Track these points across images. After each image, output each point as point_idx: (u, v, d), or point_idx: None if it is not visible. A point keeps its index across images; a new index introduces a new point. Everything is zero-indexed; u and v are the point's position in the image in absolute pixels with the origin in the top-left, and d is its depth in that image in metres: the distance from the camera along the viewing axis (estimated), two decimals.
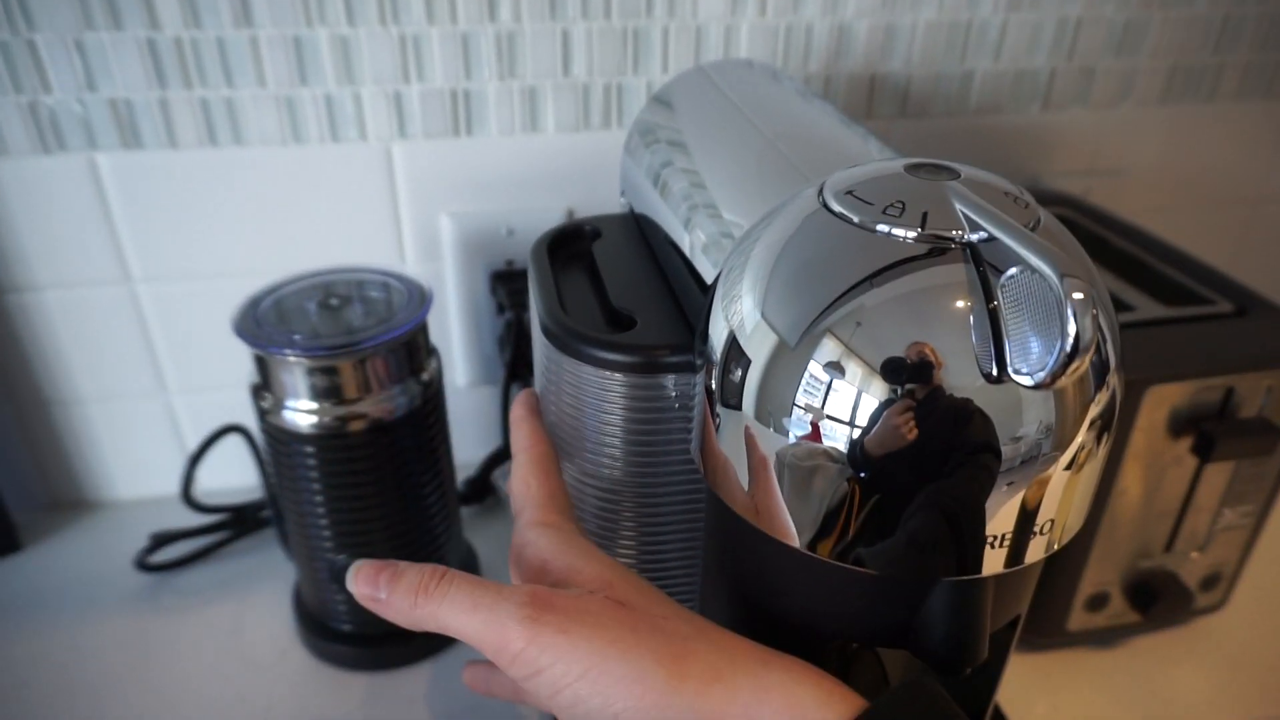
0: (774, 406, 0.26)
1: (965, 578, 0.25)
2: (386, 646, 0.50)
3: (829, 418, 0.25)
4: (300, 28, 0.49)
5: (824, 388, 0.25)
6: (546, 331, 0.34)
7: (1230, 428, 0.44)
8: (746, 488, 0.27)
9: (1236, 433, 0.44)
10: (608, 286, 0.37)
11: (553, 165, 0.56)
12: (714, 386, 0.28)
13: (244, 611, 0.54)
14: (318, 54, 0.50)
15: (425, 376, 0.46)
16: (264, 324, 0.43)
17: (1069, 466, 0.25)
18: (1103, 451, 0.26)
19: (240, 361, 0.57)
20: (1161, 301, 0.50)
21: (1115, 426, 0.27)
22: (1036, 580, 0.31)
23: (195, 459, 0.52)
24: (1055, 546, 0.26)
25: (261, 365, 0.43)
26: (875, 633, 0.28)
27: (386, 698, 0.49)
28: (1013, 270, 0.22)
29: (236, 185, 0.53)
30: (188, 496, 0.54)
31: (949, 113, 0.61)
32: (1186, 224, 0.70)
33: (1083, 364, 0.21)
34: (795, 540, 0.26)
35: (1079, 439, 0.25)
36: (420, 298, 0.45)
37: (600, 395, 0.34)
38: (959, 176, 0.26)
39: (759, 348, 0.26)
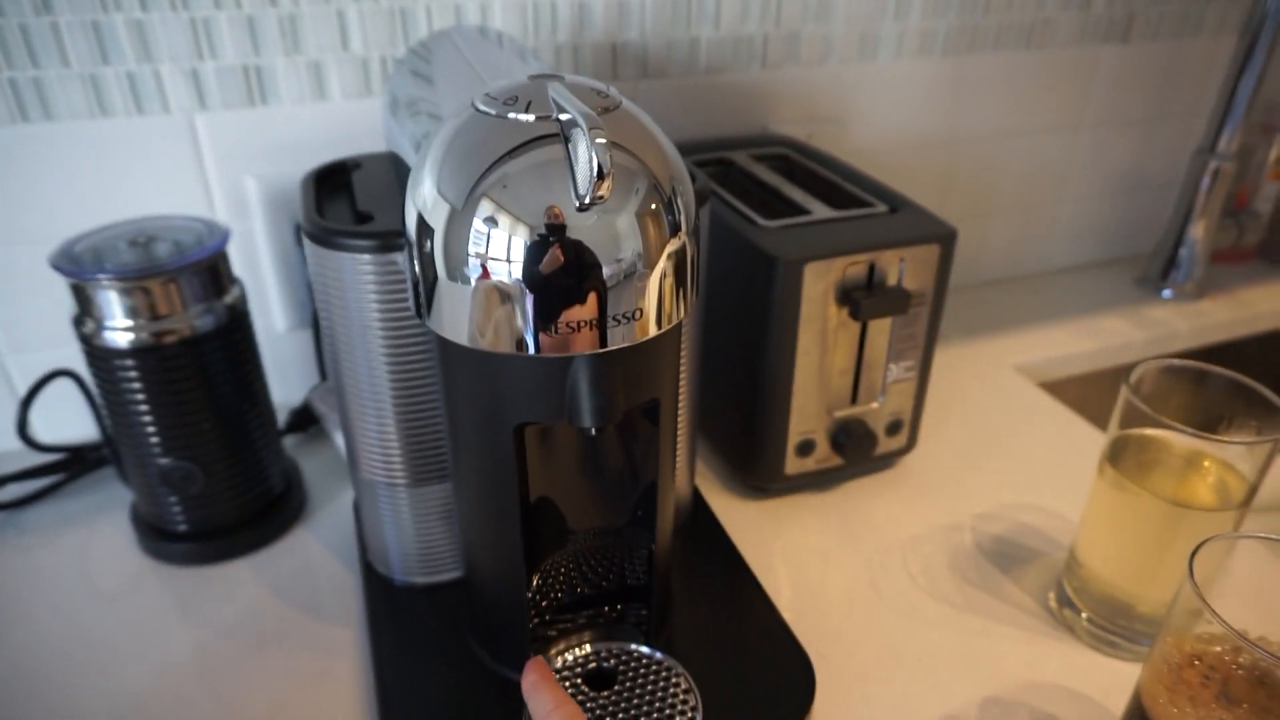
0: (454, 257, 0.36)
1: (591, 352, 0.36)
2: (216, 540, 0.58)
3: (491, 256, 0.36)
4: (97, 13, 0.56)
5: (485, 236, 0.36)
6: (308, 234, 0.44)
7: (873, 294, 0.57)
8: (451, 320, 0.38)
9: (877, 296, 0.57)
10: (357, 199, 0.47)
11: (343, 128, 0.65)
12: (414, 257, 0.38)
13: (89, 538, 0.61)
14: (116, 36, 0.57)
15: (228, 300, 0.54)
16: (79, 260, 0.51)
17: (659, 279, 0.37)
18: (690, 280, 0.38)
19: (62, 318, 0.64)
20: (835, 208, 0.63)
21: (695, 266, 0.38)
22: (665, 370, 0.42)
23: (27, 400, 0.59)
24: (653, 331, 0.37)
25: (80, 294, 0.51)
26: (546, 408, 0.38)
27: (221, 584, 0.57)
28: (574, 130, 0.33)
29: (49, 157, 0.59)
30: (23, 434, 0.60)
31: (684, 74, 0.73)
32: (902, 164, 0.86)
33: (608, 183, 0.32)
34: (493, 346, 0.36)
35: (661, 264, 0.37)
36: (219, 232, 0.54)
37: (355, 279, 0.43)
38: (562, 81, 0.37)
39: (438, 218, 0.37)
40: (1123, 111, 0.94)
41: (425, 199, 0.37)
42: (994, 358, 0.85)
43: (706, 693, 0.46)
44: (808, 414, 0.61)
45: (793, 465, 0.63)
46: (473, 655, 0.50)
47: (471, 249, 0.36)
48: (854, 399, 0.63)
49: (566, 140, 0.34)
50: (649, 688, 0.47)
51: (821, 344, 0.59)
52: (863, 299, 0.57)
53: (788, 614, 0.54)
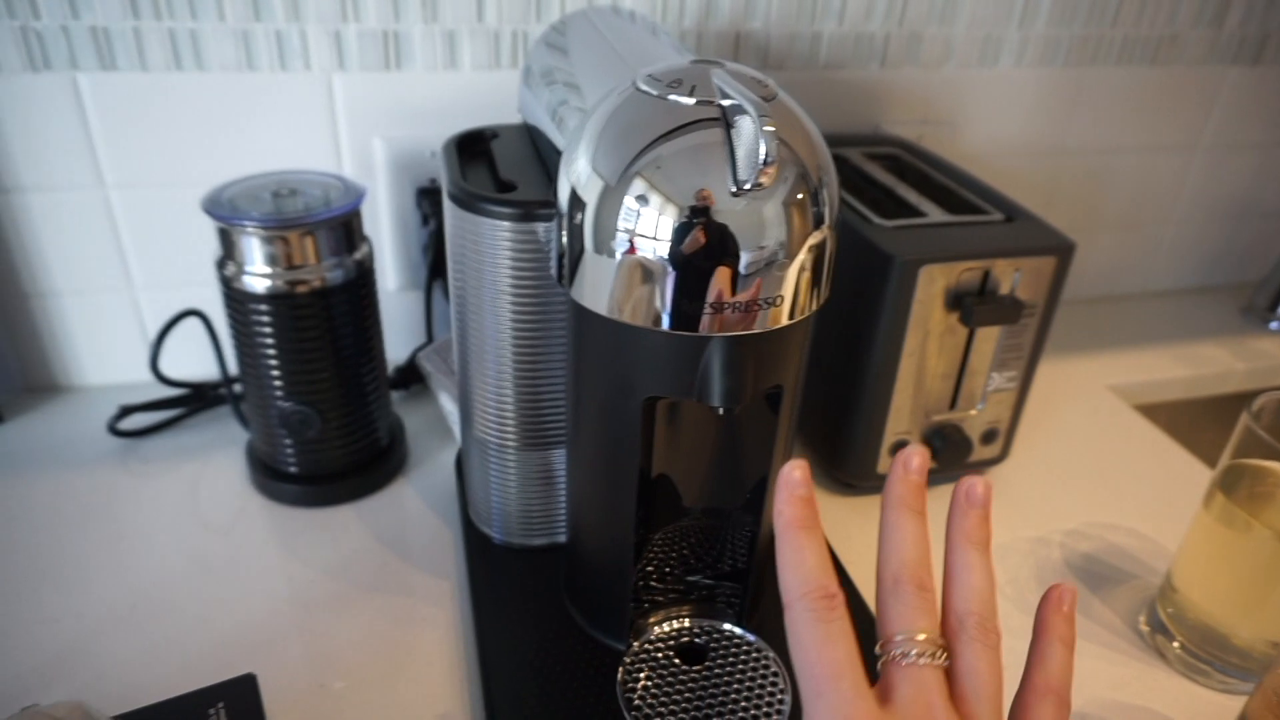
0: (604, 232, 0.38)
1: (727, 334, 0.37)
2: (325, 484, 0.61)
3: (640, 233, 0.37)
4: None
5: (636, 213, 0.37)
6: (453, 197, 0.45)
7: (986, 301, 0.57)
8: (593, 291, 0.39)
9: (990, 304, 0.57)
10: (499, 167, 0.48)
11: (470, 98, 0.67)
12: (564, 227, 0.40)
13: (203, 469, 0.64)
14: None
15: (358, 256, 0.57)
16: (227, 205, 0.53)
17: (796, 271, 0.38)
18: (826, 273, 0.39)
19: (195, 260, 0.67)
20: (950, 212, 0.63)
21: (831, 261, 0.39)
22: (793, 359, 0.43)
23: (162, 335, 0.62)
24: (786, 320, 0.38)
25: (225, 238, 0.54)
26: (678, 385, 0.40)
27: (327, 527, 0.60)
28: (738, 118, 0.34)
29: (198, 105, 0.62)
30: (155, 368, 0.63)
31: (803, 67, 0.73)
32: (1008, 170, 0.84)
33: (772, 171, 0.33)
34: (632, 319, 0.38)
35: (801, 255, 0.37)
36: (355, 192, 0.56)
37: (493, 243, 0.45)
38: (724, 67, 0.38)
39: (591, 192, 0.38)
40: (1242, 135, 0.91)
41: (580, 173, 0.38)
42: (1089, 376, 0.84)
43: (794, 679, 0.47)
44: (905, 415, 0.62)
45: (885, 464, 0.63)
46: (568, 617, 0.51)
47: (621, 224, 0.37)
48: (953, 404, 0.62)
49: (729, 125, 0.35)
50: (739, 668, 0.48)
51: (927, 347, 0.59)
52: (975, 305, 0.57)
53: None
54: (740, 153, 0.34)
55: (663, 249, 0.36)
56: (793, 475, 0.33)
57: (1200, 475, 0.71)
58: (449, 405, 0.67)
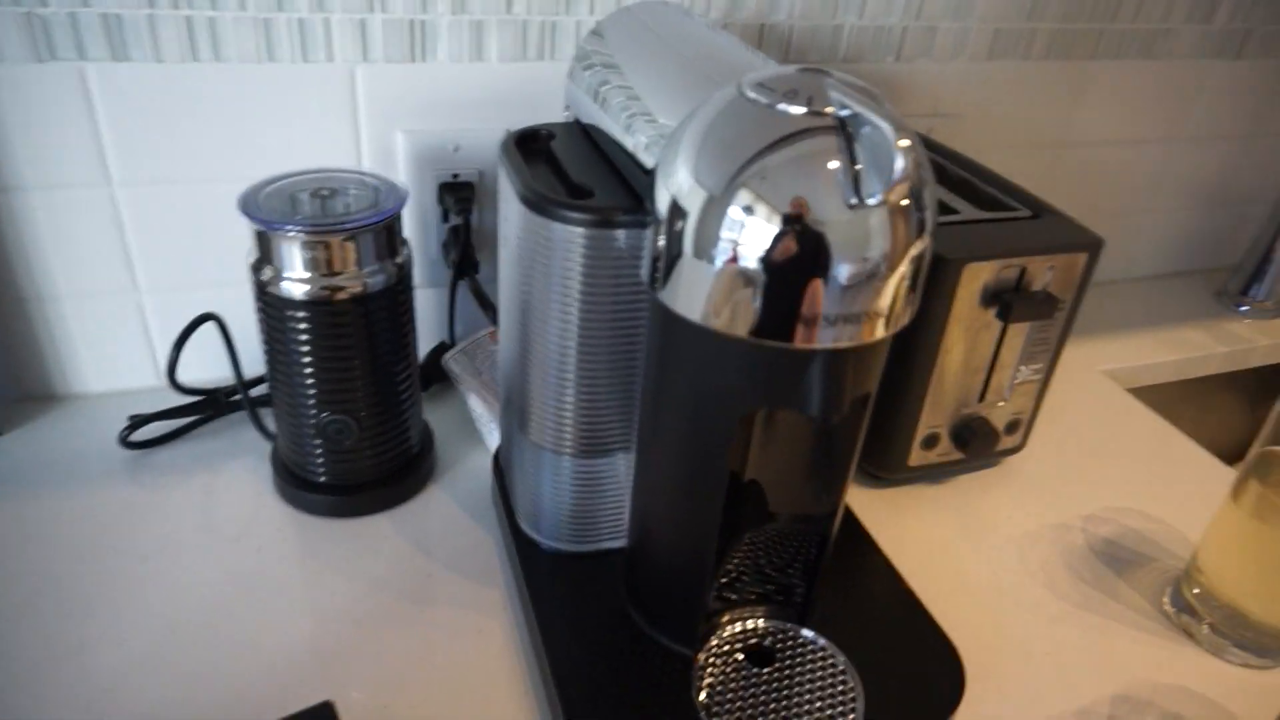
0: (706, 241, 0.37)
1: (833, 346, 0.37)
2: (358, 494, 0.59)
3: (743, 244, 0.36)
4: None
5: (740, 224, 0.36)
6: (526, 201, 0.44)
7: (1023, 297, 0.59)
8: (688, 299, 0.38)
9: (1027, 300, 0.58)
10: (568, 171, 0.47)
11: (495, 91, 0.65)
12: (662, 237, 0.39)
13: (220, 480, 0.62)
14: None
15: (399, 260, 0.55)
16: (264, 207, 0.51)
17: (897, 281, 0.38)
18: (920, 283, 0.39)
19: (204, 261, 0.64)
20: (980, 208, 0.64)
21: (926, 270, 0.39)
22: (880, 367, 0.43)
23: (180, 343, 0.59)
24: (884, 331, 0.38)
25: (263, 241, 0.51)
26: (775, 396, 0.39)
27: (365, 538, 0.58)
28: (866, 128, 0.34)
29: (214, 98, 0.59)
30: (172, 378, 0.60)
31: (822, 59, 0.73)
32: (1008, 161, 0.86)
33: (904, 189, 0.33)
34: (728, 328, 0.37)
35: (902, 267, 0.37)
36: (397, 194, 0.54)
37: (566, 250, 0.44)
38: (833, 76, 0.37)
39: (694, 202, 0.37)
40: (1221, 126, 0.95)
41: (681, 183, 0.37)
42: (1084, 362, 0.86)
43: (862, 680, 0.48)
44: (938, 409, 0.63)
45: (916, 457, 0.64)
46: (630, 622, 0.51)
47: (724, 234, 0.36)
48: (982, 397, 0.64)
49: (851, 138, 0.35)
50: (809, 670, 0.48)
51: (962, 342, 0.60)
52: (1014, 302, 0.58)
53: None
54: (866, 166, 0.34)
55: (766, 259, 0.36)
56: None
57: (1197, 456, 0.74)
58: (479, 408, 0.66)
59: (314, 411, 0.56)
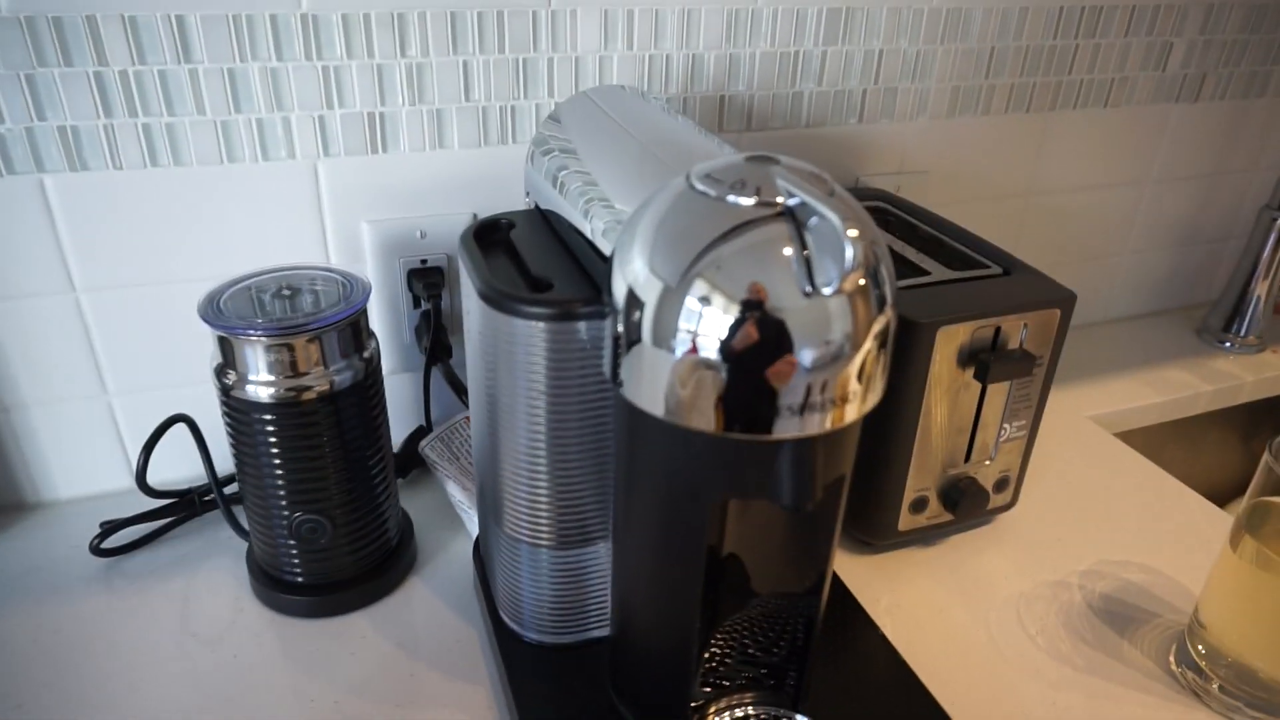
0: (664, 333, 0.36)
1: (801, 436, 0.36)
2: (336, 593, 0.57)
3: (702, 334, 0.36)
4: (234, 62, 0.56)
5: (698, 314, 0.36)
6: (485, 297, 0.43)
7: (1000, 356, 0.58)
8: (651, 393, 0.38)
9: (1004, 359, 0.58)
10: (526, 262, 0.47)
11: (458, 176, 0.65)
12: (620, 328, 0.38)
13: (196, 584, 0.60)
14: (249, 84, 0.57)
15: (366, 354, 0.54)
16: (225, 311, 0.50)
17: (863, 360, 0.37)
18: (885, 359, 0.38)
19: (172, 362, 0.64)
20: (950, 268, 0.64)
21: (891, 343, 0.38)
22: (853, 448, 0.42)
23: (150, 446, 0.58)
24: (857, 415, 0.37)
25: (225, 346, 0.50)
26: (745, 487, 0.38)
27: (344, 639, 0.56)
28: (814, 219, 0.34)
29: (175, 201, 0.59)
30: (142, 482, 0.59)
31: (785, 126, 0.74)
32: (978, 213, 0.87)
33: (859, 276, 0.32)
34: (691, 422, 0.37)
35: (867, 345, 0.37)
36: (361, 288, 0.53)
37: (528, 345, 0.43)
38: (780, 164, 0.37)
39: (650, 293, 0.37)
40: (1186, 167, 0.96)
41: (637, 272, 0.37)
42: (1069, 408, 0.86)
43: None
44: (924, 472, 0.62)
45: (905, 522, 0.63)
46: (615, 714, 0.49)
47: (682, 324, 0.36)
48: (968, 458, 0.63)
49: (801, 227, 0.34)
50: None
51: (942, 404, 0.59)
52: (991, 361, 0.57)
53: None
54: (817, 255, 0.33)
55: (724, 349, 0.35)
56: None
57: (1193, 503, 0.73)
58: (458, 494, 0.64)
59: (286, 512, 0.54)
